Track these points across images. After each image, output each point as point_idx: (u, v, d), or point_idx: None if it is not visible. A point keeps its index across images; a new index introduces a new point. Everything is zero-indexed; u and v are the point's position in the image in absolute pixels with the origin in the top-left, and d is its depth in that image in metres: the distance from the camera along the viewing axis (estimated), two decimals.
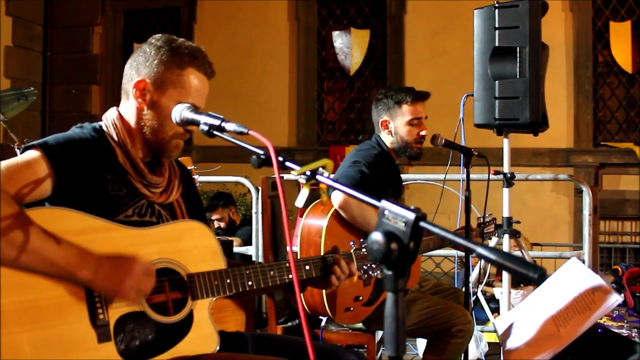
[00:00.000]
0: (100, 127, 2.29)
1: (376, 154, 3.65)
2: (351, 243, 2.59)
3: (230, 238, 6.27)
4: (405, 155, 3.79)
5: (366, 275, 2.60)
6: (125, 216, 2.18)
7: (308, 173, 1.64)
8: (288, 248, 1.63)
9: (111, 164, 2.21)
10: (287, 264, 2.35)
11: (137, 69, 2.28)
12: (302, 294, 3.28)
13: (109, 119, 2.30)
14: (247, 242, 6.24)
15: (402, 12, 10.30)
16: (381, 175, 3.57)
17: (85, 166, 2.14)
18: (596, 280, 2.63)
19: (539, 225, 9.34)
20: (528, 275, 1.16)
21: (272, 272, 2.31)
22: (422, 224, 1.30)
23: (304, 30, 10.55)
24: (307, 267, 2.42)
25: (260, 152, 1.77)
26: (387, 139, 3.77)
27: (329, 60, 10.68)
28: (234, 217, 7.35)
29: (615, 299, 2.45)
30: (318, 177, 1.64)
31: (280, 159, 1.71)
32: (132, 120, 2.28)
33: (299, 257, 3.01)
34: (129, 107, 2.30)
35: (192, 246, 2.22)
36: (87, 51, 10.93)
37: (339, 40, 10.58)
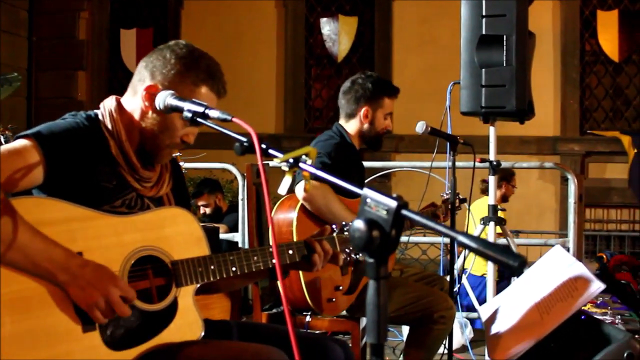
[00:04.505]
0: (96, 115, 2.28)
1: (336, 143, 3.62)
2: (333, 226, 2.60)
3: (216, 225, 6.27)
4: (369, 144, 3.80)
5: (349, 258, 2.61)
6: (112, 207, 2.17)
7: (291, 161, 1.64)
8: (270, 234, 1.63)
9: (103, 155, 2.20)
10: (271, 249, 2.35)
11: (152, 72, 2.26)
12: (282, 289, 3.27)
13: (106, 109, 2.28)
14: (233, 228, 6.24)
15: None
16: (343, 164, 3.54)
17: (77, 156, 2.13)
18: (579, 268, 2.64)
19: (525, 213, 9.38)
20: (508, 264, 1.17)
21: (255, 258, 2.31)
22: (404, 212, 1.30)
23: (291, 16, 10.52)
24: (290, 252, 2.43)
25: (244, 139, 1.77)
26: (356, 127, 3.74)
27: (317, 47, 10.66)
28: (220, 204, 7.34)
29: (598, 286, 2.46)
30: (301, 164, 1.64)
31: (264, 146, 1.71)
32: (135, 114, 2.27)
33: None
34: (134, 103, 2.28)
35: (176, 233, 2.22)
36: (73, 36, 10.85)
37: (327, 27, 10.56)
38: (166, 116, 2.20)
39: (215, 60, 2.35)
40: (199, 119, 1.97)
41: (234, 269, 2.26)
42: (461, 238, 1.23)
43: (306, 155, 1.64)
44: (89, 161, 2.15)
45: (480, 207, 7.23)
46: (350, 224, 2.63)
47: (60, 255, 1.92)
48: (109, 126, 2.24)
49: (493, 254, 1.19)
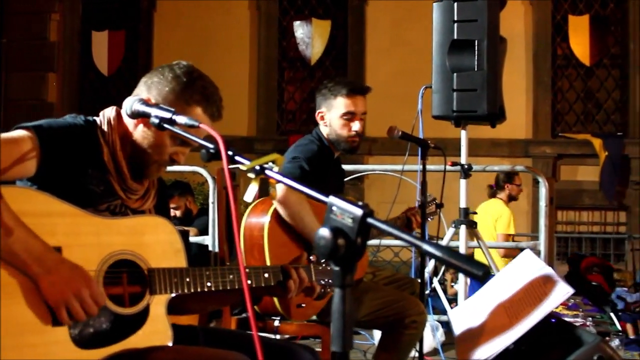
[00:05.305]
0: (94, 120, 2.29)
1: (315, 149, 3.59)
2: (311, 257, 2.60)
3: (186, 228, 6.24)
4: (340, 149, 3.71)
5: (323, 290, 2.60)
6: (97, 210, 2.18)
7: (257, 168, 1.63)
8: (238, 252, 1.62)
9: (95, 159, 2.21)
10: (247, 270, 2.37)
11: (149, 87, 2.27)
12: (250, 314, 3.25)
13: (105, 117, 2.29)
14: (203, 232, 6.22)
15: (363, 3, 10.33)
16: (321, 170, 3.51)
17: (71, 155, 2.14)
18: (548, 272, 2.66)
19: None
20: (472, 273, 1.17)
21: (231, 276, 2.31)
22: (370, 220, 1.30)
23: (264, 19, 10.51)
24: (266, 275, 2.43)
25: (211, 145, 1.76)
26: (325, 131, 3.68)
27: (290, 50, 10.66)
28: (190, 207, 7.32)
29: (566, 291, 2.47)
30: (267, 172, 1.63)
31: (230, 153, 1.70)
32: (129, 126, 2.28)
33: (244, 260, 3.07)
34: None
35: (156, 241, 2.22)
36: (44, 38, 10.73)
37: (300, 30, 10.56)
38: (156, 132, 2.21)
39: (214, 84, 2.34)
40: (166, 125, 1.96)
41: (209, 284, 2.26)
42: (426, 247, 1.23)
43: (272, 162, 1.64)
44: (81, 162, 2.16)
45: (486, 208, 7.42)
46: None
47: (38, 247, 1.92)
48: (105, 133, 2.25)
49: (458, 262, 1.19)
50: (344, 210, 1.31)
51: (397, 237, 1.29)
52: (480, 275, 1.16)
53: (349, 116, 3.62)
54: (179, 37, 10.08)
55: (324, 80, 3.80)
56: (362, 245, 1.31)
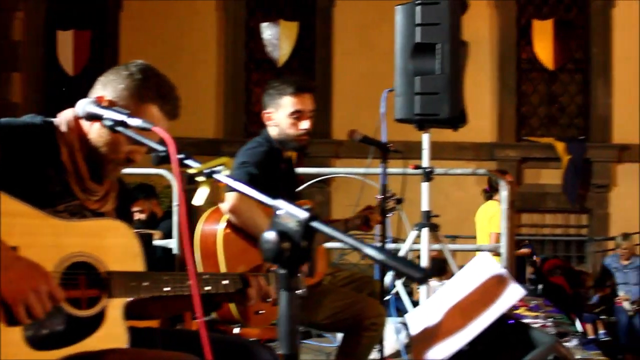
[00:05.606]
0: (52, 121, 2.27)
1: (264, 152, 3.51)
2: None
3: (151, 231, 6.22)
4: (289, 148, 3.63)
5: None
6: (56, 211, 2.15)
7: (206, 171, 1.64)
8: (187, 257, 1.63)
9: (53, 159, 2.19)
10: (205, 276, 2.38)
11: (104, 85, 2.27)
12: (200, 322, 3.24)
13: (63, 117, 2.27)
14: (168, 235, 6.19)
15: (331, 5, 10.36)
16: (271, 172, 3.45)
17: (29, 154, 2.12)
18: (503, 274, 2.70)
19: (463, 218, 9.47)
20: (412, 275, 1.20)
21: (189, 281, 2.31)
22: (314, 224, 1.32)
23: (232, 20, 10.50)
24: (225, 282, 2.43)
25: (162, 148, 1.77)
26: (273, 131, 3.59)
27: (257, 52, 10.66)
28: (155, 210, 7.27)
29: (519, 292, 2.52)
30: (215, 175, 1.64)
31: (181, 156, 1.71)
32: (85, 126, 2.26)
33: (200, 267, 3.09)
34: None
35: (114, 245, 2.21)
36: (7, 37, 10.61)
37: (268, 31, 10.57)
38: (109, 130, 2.19)
39: (171, 83, 2.33)
40: (118, 128, 1.97)
41: (167, 288, 2.26)
42: (367, 250, 1.25)
43: (222, 165, 1.65)
44: (38, 162, 2.15)
45: (483, 210, 7.58)
46: None
47: None
48: (63, 134, 2.23)
49: (397, 265, 1.21)
50: (290, 213, 1.33)
51: (340, 241, 1.32)
52: (420, 277, 1.19)
53: (297, 114, 3.54)
54: (145, 38, 10.02)
55: (269, 81, 3.74)
56: (307, 249, 1.33)
